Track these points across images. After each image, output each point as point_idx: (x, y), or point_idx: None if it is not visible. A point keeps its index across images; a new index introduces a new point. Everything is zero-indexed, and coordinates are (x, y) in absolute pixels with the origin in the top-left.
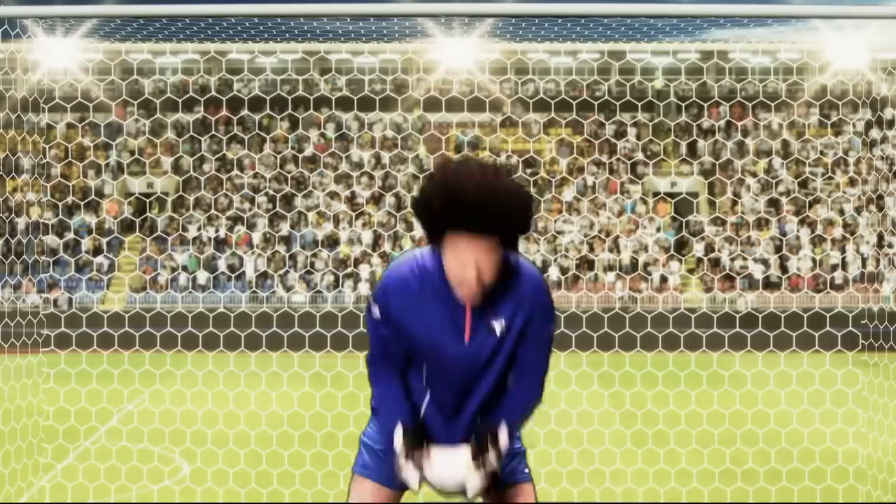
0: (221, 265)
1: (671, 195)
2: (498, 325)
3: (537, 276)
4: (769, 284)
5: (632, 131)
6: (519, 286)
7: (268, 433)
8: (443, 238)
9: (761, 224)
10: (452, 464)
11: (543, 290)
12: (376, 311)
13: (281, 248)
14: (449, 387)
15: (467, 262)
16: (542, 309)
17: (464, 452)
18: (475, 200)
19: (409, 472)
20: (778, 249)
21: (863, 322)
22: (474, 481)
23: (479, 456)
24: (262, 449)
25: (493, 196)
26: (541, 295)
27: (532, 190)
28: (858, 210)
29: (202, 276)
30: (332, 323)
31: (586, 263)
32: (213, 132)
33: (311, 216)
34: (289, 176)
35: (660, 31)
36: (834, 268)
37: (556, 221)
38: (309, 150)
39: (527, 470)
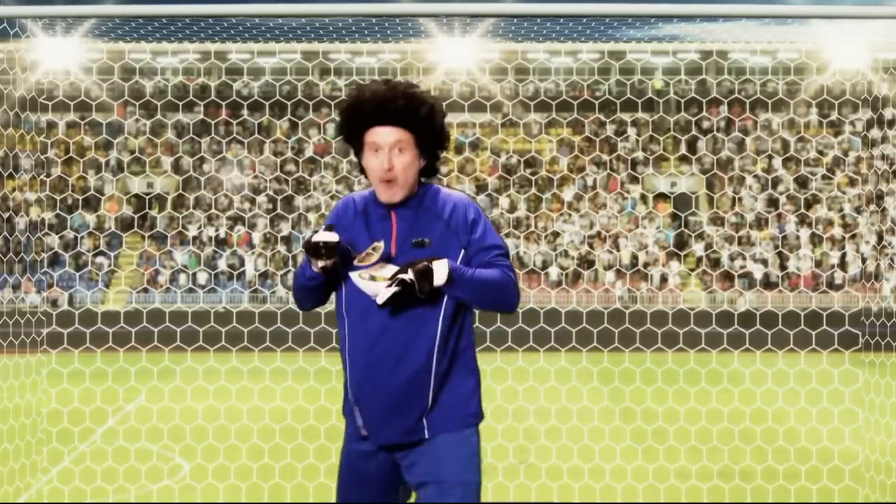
0: (222, 265)
1: (671, 194)
2: (424, 243)
3: (465, 198)
4: (768, 284)
5: (632, 130)
6: (447, 207)
7: (271, 427)
8: (362, 144)
9: (760, 223)
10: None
11: (472, 207)
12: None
13: (282, 249)
14: (373, 311)
15: (379, 154)
16: (476, 223)
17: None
18: (375, 92)
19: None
20: (777, 249)
21: (861, 321)
22: (386, 291)
23: (399, 274)
24: (265, 443)
25: (391, 89)
26: (471, 211)
27: (533, 189)
28: (858, 210)
29: (202, 276)
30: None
31: (586, 262)
32: (213, 133)
33: (312, 217)
34: (289, 178)
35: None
36: (833, 267)
37: (556, 220)
38: (309, 151)
39: None
